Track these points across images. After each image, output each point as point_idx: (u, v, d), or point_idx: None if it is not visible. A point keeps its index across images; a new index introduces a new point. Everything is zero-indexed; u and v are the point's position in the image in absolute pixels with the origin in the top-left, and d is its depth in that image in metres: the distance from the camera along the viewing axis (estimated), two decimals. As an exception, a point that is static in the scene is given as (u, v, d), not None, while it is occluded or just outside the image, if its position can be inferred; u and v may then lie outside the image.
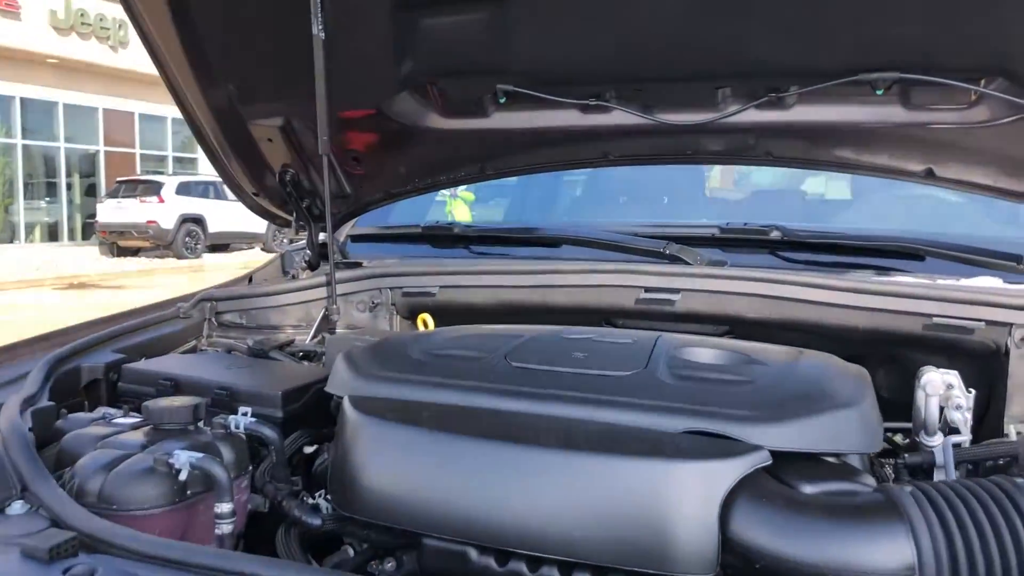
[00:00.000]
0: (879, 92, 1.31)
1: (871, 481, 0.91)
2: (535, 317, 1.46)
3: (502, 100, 1.51)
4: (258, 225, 14.38)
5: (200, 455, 0.92)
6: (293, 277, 1.81)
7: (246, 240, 15.92)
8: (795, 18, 1.27)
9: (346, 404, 1.01)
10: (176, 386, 1.23)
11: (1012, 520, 0.78)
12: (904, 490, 0.84)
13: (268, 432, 1.07)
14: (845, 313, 1.29)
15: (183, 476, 0.91)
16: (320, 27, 1.37)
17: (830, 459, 0.94)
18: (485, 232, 1.82)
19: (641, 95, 1.45)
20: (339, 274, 1.54)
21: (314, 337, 1.53)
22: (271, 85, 1.58)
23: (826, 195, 2.00)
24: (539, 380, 1.01)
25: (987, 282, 1.39)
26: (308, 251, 1.80)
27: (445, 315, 1.51)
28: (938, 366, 1.28)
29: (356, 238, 1.95)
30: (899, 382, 1.29)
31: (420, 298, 1.54)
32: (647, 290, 1.40)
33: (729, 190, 2.12)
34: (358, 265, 1.64)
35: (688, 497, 0.83)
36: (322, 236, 1.83)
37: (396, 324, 1.58)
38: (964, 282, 1.37)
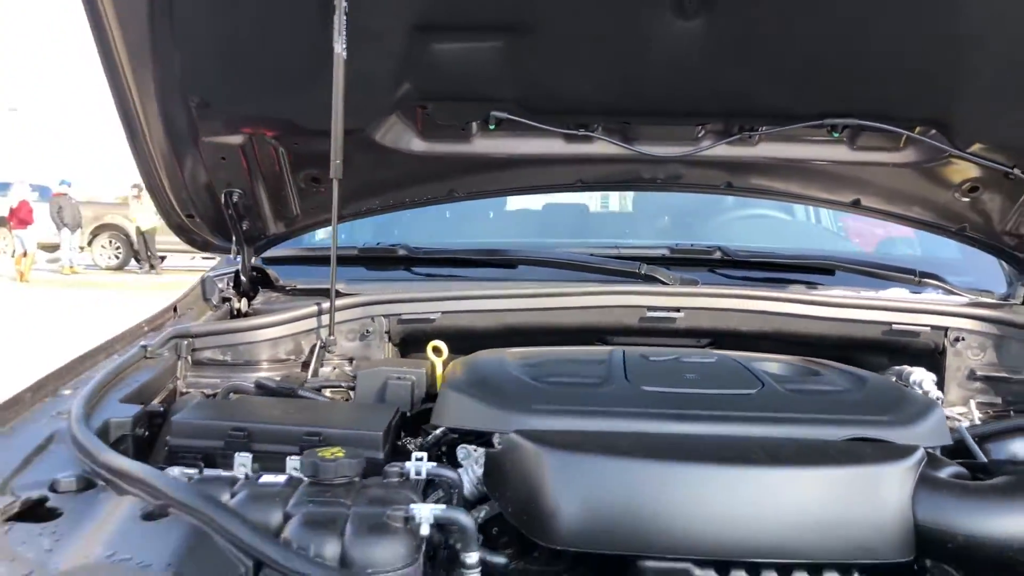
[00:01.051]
0: (835, 135, 1.55)
1: (956, 466, 1.12)
2: (536, 339, 1.50)
3: (492, 127, 1.53)
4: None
5: (443, 507, 0.87)
6: (217, 305, 1.66)
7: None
8: (778, 67, 1.46)
9: (520, 440, 1.01)
10: (249, 436, 1.11)
11: None
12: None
13: (450, 473, 1.02)
14: (827, 324, 1.51)
15: (424, 531, 0.85)
16: (343, 45, 1.30)
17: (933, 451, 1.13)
18: (435, 254, 1.79)
19: (626, 128, 1.56)
20: (335, 302, 1.46)
21: (315, 371, 1.43)
22: (247, 101, 1.45)
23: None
24: (689, 402, 1.09)
25: (896, 293, 1.69)
26: (242, 276, 1.66)
27: (444, 340, 1.50)
28: (884, 365, 1.56)
29: (269, 260, 1.82)
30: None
31: (419, 324, 1.51)
32: (650, 309, 1.51)
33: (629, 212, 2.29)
34: (342, 294, 1.55)
35: (887, 494, 0.97)
36: (254, 260, 1.71)
37: (388, 352, 1.53)
38: (884, 293, 1.66)
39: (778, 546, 0.95)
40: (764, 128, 1.55)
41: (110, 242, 14.86)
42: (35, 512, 0.92)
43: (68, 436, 1.06)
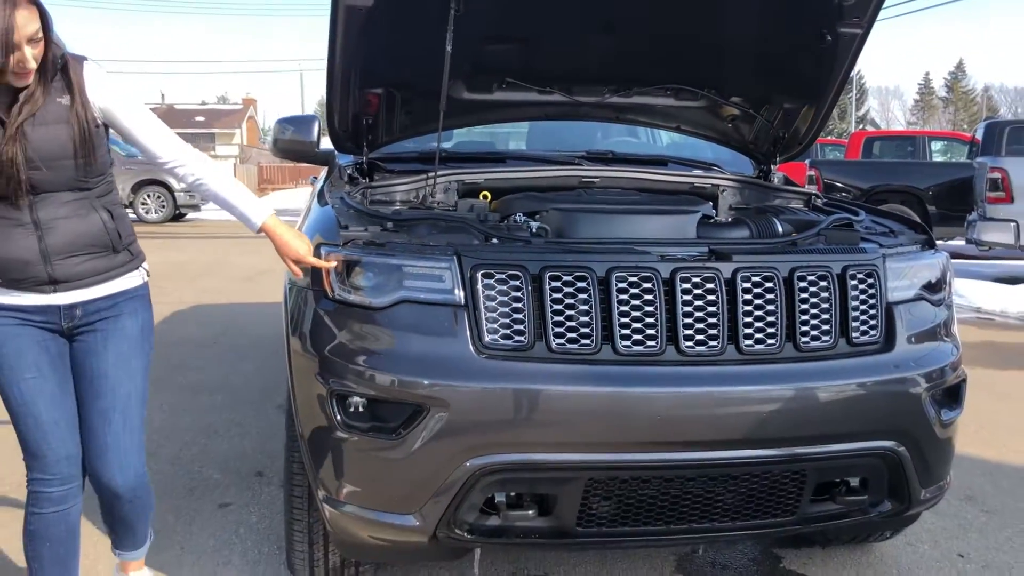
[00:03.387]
0: (668, 92, 3.19)
1: None
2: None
3: (504, 86, 3.06)
4: None
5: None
6: (347, 181, 3.10)
7: None
8: (642, 59, 3.06)
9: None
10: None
11: None
12: None
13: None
14: (666, 184, 3.14)
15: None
16: (449, 46, 2.78)
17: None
18: (457, 154, 3.32)
19: (569, 88, 3.13)
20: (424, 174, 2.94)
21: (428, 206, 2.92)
22: (390, 71, 2.90)
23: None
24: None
25: (696, 172, 3.37)
26: (364, 165, 3.12)
27: (488, 191, 3.00)
28: (693, 202, 3.23)
29: (379, 159, 3.25)
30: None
31: (473, 184, 3.00)
32: (582, 178, 3.09)
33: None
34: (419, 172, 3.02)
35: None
36: (368, 156, 3.17)
37: (454, 198, 3.01)
38: (689, 172, 3.33)
39: None
40: (634, 89, 3.17)
41: (154, 196, 16.46)
42: None
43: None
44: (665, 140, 3.95)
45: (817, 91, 3.11)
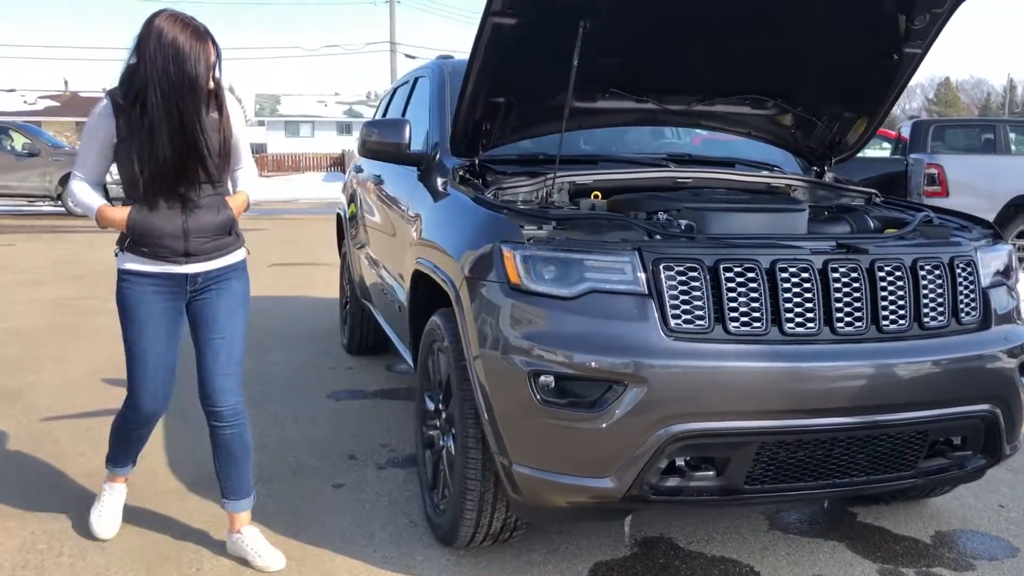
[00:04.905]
0: (746, 101, 3.55)
1: None
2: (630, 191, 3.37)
3: (607, 95, 3.36)
4: None
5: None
6: (463, 181, 3.35)
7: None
8: (724, 75, 3.41)
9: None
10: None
11: None
12: None
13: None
14: (744, 183, 3.50)
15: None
16: (577, 58, 3.06)
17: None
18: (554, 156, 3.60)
19: (660, 97, 3.46)
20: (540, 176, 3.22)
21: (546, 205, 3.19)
22: (514, 85, 3.16)
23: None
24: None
25: (765, 173, 3.74)
26: (476, 165, 3.37)
27: (591, 191, 3.30)
28: (769, 201, 3.60)
29: (485, 161, 3.49)
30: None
31: (582, 185, 3.29)
32: (675, 179, 3.42)
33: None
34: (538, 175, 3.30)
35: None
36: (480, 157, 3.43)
37: (566, 197, 3.29)
38: (759, 173, 3.70)
39: None
40: (717, 98, 3.53)
41: None
42: None
43: None
44: (715, 142, 4.31)
45: (875, 103, 3.53)
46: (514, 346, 2.49)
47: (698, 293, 2.43)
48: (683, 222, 2.77)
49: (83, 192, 2.75)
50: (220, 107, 2.68)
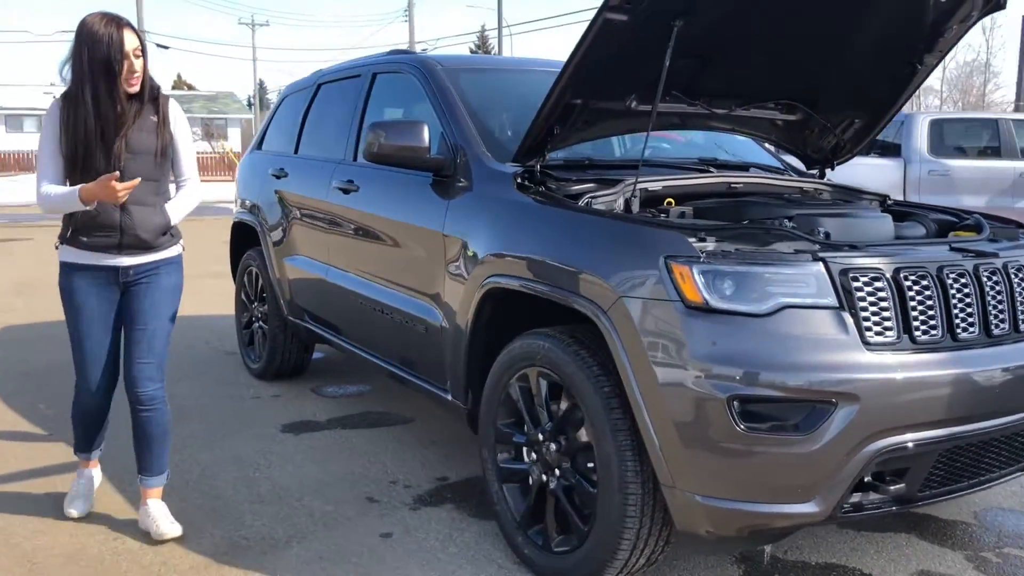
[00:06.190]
0: (779, 107, 3.56)
1: None
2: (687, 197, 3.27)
3: (667, 98, 3.23)
4: None
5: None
6: (520, 188, 3.09)
7: None
8: (758, 85, 3.41)
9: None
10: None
11: None
12: None
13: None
14: (761, 187, 3.51)
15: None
16: (668, 59, 2.90)
17: None
18: (601, 161, 3.41)
19: (709, 101, 3.38)
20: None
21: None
22: (596, 82, 2.94)
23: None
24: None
25: (774, 175, 3.79)
26: (537, 171, 3.12)
27: (665, 198, 3.15)
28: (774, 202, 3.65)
29: (546, 165, 3.22)
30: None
31: (652, 191, 3.13)
32: (730, 183, 3.35)
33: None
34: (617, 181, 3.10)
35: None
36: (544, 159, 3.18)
37: (637, 206, 3.11)
38: (768, 175, 3.74)
39: None
40: (755, 103, 3.51)
41: None
42: None
43: None
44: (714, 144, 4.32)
45: (884, 110, 3.68)
46: (707, 370, 2.30)
47: (885, 304, 2.38)
48: (822, 230, 2.71)
49: (53, 189, 2.87)
50: (158, 113, 2.96)
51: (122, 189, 2.72)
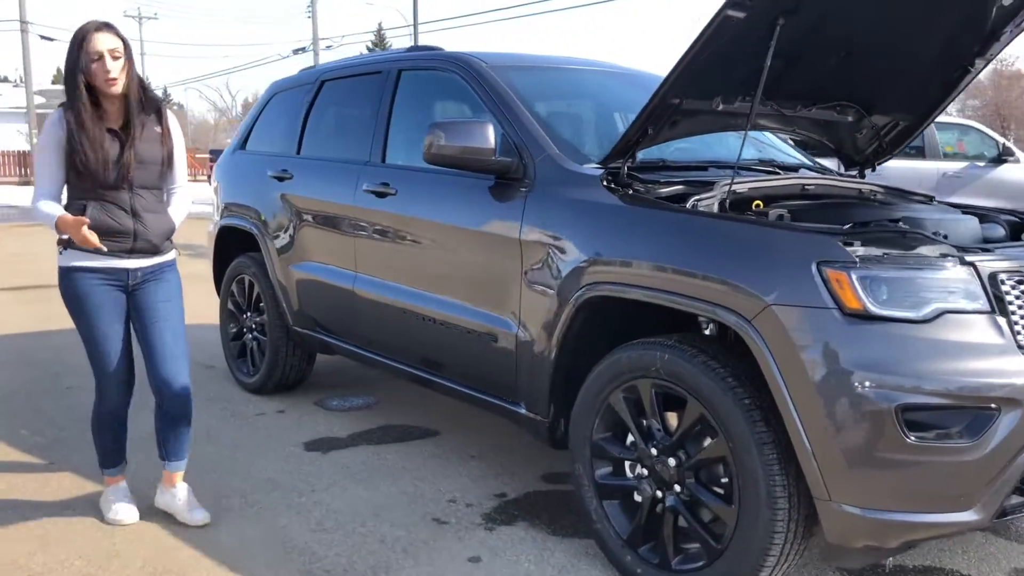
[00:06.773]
0: (837, 109, 3.55)
1: None
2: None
3: (745, 99, 3.16)
4: None
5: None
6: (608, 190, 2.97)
7: None
8: (819, 88, 3.39)
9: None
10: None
11: None
12: None
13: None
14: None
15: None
16: (769, 61, 2.83)
17: None
18: (680, 163, 3.30)
19: (780, 102, 3.33)
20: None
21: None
22: (698, 81, 2.85)
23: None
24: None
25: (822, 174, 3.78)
26: (624, 172, 3.00)
27: (752, 200, 3.07)
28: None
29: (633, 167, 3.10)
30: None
31: (740, 194, 3.05)
32: (807, 184, 3.31)
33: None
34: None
35: None
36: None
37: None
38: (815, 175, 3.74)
39: None
40: (816, 105, 3.48)
41: None
42: None
43: None
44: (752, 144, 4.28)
45: (929, 111, 3.72)
46: (871, 380, 2.23)
47: (1026, 305, 2.37)
48: (941, 232, 2.68)
49: (45, 207, 2.92)
50: (162, 124, 3.03)
51: (90, 237, 2.79)
